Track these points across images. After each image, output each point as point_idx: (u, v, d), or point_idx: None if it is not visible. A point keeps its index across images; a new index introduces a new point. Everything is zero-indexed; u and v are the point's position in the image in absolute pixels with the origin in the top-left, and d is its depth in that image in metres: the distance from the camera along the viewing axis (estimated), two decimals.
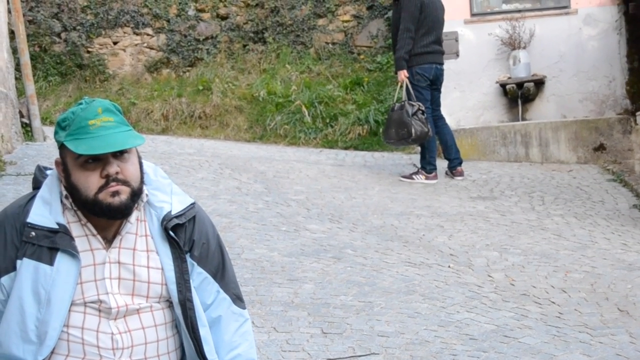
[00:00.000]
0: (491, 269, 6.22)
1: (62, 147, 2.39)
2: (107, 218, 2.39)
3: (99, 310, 2.38)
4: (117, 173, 2.35)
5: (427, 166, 8.97)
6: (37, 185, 2.48)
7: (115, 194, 2.35)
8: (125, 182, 2.37)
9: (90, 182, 2.35)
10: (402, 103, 8.71)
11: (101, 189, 2.34)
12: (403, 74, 8.80)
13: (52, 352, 2.36)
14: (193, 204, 2.52)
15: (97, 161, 2.34)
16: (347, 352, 4.73)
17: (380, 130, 10.08)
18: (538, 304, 5.49)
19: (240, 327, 2.55)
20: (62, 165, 2.40)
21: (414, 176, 8.96)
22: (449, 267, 6.24)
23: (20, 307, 2.34)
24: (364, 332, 4.99)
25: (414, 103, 8.69)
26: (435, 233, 7.09)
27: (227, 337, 2.52)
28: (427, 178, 8.93)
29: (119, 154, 2.36)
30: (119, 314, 2.39)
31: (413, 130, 8.58)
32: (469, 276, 6.05)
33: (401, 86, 8.88)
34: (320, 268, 6.08)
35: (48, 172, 2.49)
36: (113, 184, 2.34)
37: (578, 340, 4.89)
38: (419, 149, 9.30)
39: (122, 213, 2.38)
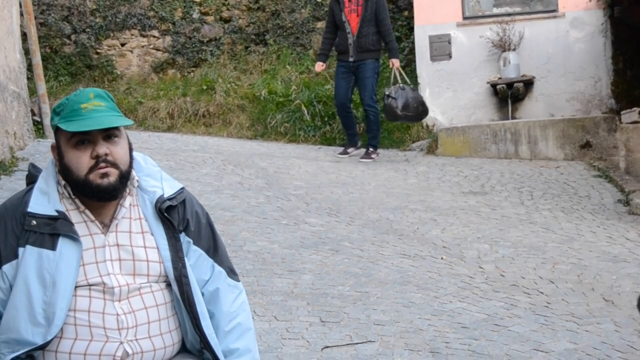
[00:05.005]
0: (482, 261, 6.21)
1: (57, 130, 2.44)
2: (97, 199, 2.42)
3: (104, 292, 2.40)
4: (106, 154, 2.39)
5: (378, 144, 9.93)
6: (31, 180, 2.52)
7: (105, 175, 2.39)
8: (114, 165, 2.40)
9: (81, 162, 2.38)
10: (410, 85, 9.68)
11: (91, 169, 2.38)
12: (398, 62, 9.74)
13: (60, 338, 2.37)
14: (182, 188, 2.58)
15: (89, 143, 2.38)
16: (344, 340, 4.72)
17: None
18: (527, 294, 5.49)
19: (237, 298, 2.59)
20: (57, 149, 2.44)
21: (372, 156, 9.79)
22: (442, 259, 6.23)
23: (27, 292, 2.36)
24: (361, 320, 4.99)
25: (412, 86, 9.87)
26: (428, 226, 7.08)
27: (226, 307, 2.55)
28: (377, 155, 9.94)
29: (110, 137, 2.41)
30: (122, 294, 2.41)
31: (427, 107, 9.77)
32: (461, 267, 6.04)
33: (400, 73, 9.71)
34: (318, 260, 6.07)
35: (42, 167, 2.55)
36: (102, 165, 2.38)
37: (565, 329, 4.88)
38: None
39: (110, 194, 2.42)
